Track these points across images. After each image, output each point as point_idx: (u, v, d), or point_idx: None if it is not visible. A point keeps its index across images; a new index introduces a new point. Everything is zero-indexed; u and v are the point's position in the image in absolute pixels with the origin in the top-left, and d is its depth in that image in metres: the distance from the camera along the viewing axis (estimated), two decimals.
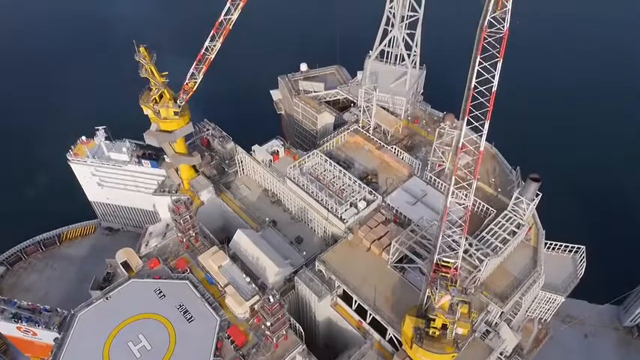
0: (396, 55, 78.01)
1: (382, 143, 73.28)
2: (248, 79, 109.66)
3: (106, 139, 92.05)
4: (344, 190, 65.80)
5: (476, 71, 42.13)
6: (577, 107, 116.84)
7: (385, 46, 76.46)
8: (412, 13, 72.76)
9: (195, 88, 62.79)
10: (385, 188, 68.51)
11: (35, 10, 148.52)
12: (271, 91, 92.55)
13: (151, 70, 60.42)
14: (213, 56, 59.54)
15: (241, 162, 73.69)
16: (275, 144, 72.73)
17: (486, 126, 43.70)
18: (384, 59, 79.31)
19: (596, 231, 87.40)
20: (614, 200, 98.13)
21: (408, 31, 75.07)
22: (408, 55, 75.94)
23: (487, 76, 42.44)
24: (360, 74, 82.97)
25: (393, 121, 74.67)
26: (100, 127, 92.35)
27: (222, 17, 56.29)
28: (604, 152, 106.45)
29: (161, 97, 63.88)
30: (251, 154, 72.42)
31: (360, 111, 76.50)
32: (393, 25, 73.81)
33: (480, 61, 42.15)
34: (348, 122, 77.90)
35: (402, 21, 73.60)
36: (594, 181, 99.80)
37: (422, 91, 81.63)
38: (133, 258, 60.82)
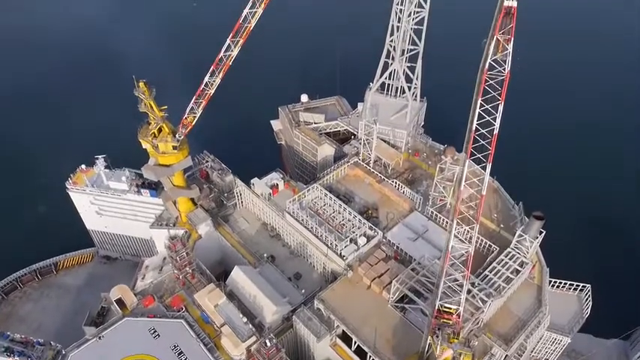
0: (397, 88, 77.90)
1: (383, 177, 72.52)
2: (249, 109, 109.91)
3: (106, 167, 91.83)
4: (344, 225, 64.77)
5: (477, 113, 41.54)
6: (579, 143, 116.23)
7: (386, 78, 76.43)
8: (412, 47, 72.98)
9: (194, 123, 62.38)
10: (386, 223, 67.46)
11: (38, 40, 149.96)
12: (272, 122, 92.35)
13: (150, 105, 60.15)
14: (212, 91, 59.32)
15: (240, 195, 72.89)
16: (274, 177, 72.04)
17: (488, 169, 42.96)
18: (385, 91, 79.22)
19: (601, 267, 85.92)
20: (618, 236, 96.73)
21: (409, 64, 75.15)
22: (409, 88, 75.86)
23: (488, 118, 41.88)
24: (360, 106, 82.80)
25: (393, 154, 74.05)
26: (100, 156, 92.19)
27: (222, 54, 56.21)
28: (607, 188, 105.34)
29: (160, 131, 63.49)
30: (250, 187, 71.65)
31: (360, 143, 75.98)
32: (393, 59, 73.87)
33: (481, 103, 41.64)
34: (349, 155, 77.33)
35: (403, 54, 73.74)
36: (598, 217, 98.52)
37: (422, 123, 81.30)
38: (127, 295, 59.52)
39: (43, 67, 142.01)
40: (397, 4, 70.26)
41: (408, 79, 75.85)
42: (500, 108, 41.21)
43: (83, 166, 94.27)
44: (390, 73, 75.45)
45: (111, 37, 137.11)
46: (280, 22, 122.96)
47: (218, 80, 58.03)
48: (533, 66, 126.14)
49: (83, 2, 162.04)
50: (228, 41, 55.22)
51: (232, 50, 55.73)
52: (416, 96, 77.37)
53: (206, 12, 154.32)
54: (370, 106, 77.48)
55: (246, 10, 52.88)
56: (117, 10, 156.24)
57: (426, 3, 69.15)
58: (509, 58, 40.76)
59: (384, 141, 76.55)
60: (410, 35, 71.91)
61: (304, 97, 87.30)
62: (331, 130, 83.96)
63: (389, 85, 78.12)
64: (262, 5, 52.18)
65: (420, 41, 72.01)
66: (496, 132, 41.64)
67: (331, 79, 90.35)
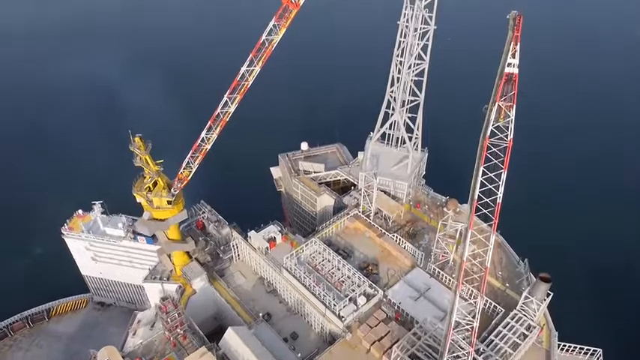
0: (398, 138, 76.88)
1: (383, 230, 70.58)
2: (249, 154, 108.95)
3: (103, 213, 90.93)
4: (343, 282, 62.49)
5: (479, 182, 39.98)
6: (584, 196, 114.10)
7: (386, 128, 75.52)
8: (413, 98, 72.31)
9: (190, 178, 61.05)
10: (386, 280, 65.13)
11: (42, 85, 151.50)
12: (271, 169, 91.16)
13: (145, 159, 59.03)
14: (209, 146, 58.24)
15: (237, 247, 70.88)
16: (272, 230, 70.19)
17: (492, 239, 41.08)
18: (386, 141, 78.18)
19: (612, 329, 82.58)
20: (631, 296, 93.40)
21: (410, 115, 74.36)
22: (410, 138, 74.84)
23: (491, 186, 40.31)
24: (360, 155, 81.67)
25: (394, 207, 72.30)
26: (97, 202, 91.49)
27: (219, 110, 55.38)
28: (617, 244, 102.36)
29: (155, 184, 62.18)
30: (247, 240, 69.71)
31: (360, 195, 74.42)
32: (394, 109, 73.12)
33: (483, 171, 40.16)
34: (348, 206, 75.65)
35: (403, 106, 73.02)
36: (609, 276, 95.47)
37: (424, 173, 79.92)
38: (115, 358, 56.80)
39: (46, 110, 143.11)
40: (397, 56, 70.06)
41: (409, 130, 74.95)
42: (504, 177, 39.69)
43: (80, 211, 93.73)
44: (391, 123, 74.56)
45: (114, 85, 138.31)
46: (282, 67, 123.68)
47: (215, 135, 57.04)
48: (535, 109, 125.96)
49: (88, 55, 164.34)
50: (225, 98, 54.43)
51: (229, 107, 54.93)
52: (417, 146, 76.30)
53: (211, 60, 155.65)
54: (371, 156, 76.36)
55: (243, 68, 52.24)
56: (122, 60, 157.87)
57: (426, 55, 68.82)
58: (512, 125, 39.57)
59: (385, 192, 74.95)
60: (410, 86, 71.36)
61: (304, 145, 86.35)
62: (331, 180, 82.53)
63: (389, 134, 77.12)
64: (260, 63, 51.58)
65: (420, 92, 71.43)
66: (499, 201, 39.97)
67: (332, 126, 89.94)
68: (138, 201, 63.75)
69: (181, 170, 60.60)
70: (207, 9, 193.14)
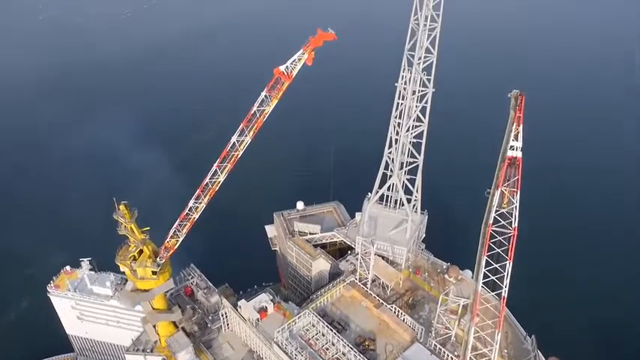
0: (397, 200, 74.14)
1: (381, 300, 66.78)
2: (244, 210, 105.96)
3: (91, 269, 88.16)
4: (338, 359, 58.28)
5: (482, 274, 36.85)
6: (592, 266, 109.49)
7: (385, 190, 72.90)
8: (412, 160, 70.05)
9: (176, 247, 58.05)
10: (384, 357, 60.87)
11: (33, 139, 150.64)
12: (266, 227, 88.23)
13: (130, 228, 56.24)
14: (197, 216, 55.49)
15: (226, 317, 66.99)
16: (263, 299, 66.37)
17: (497, 338, 37.59)
18: (384, 202, 75.37)
19: None
20: None
21: (409, 177, 71.90)
22: (409, 201, 72.07)
23: (494, 278, 37.16)
24: (358, 216, 78.69)
25: (392, 275, 68.76)
26: (85, 259, 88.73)
27: (207, 179, 52.95)
28: (630, 319, 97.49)
29: (141, 252, 59.12)
30: (237, 309, 65.89)
31: (357, 260, 71.02)
32: (392, 171, 70.77)
33: (487, 261, 37.13)
34: (345, 272, 72.13)
35: (402, 168, 70.63)
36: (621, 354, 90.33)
37: (424, 236, 76.71)
38: None
39: (39, 162, 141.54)
40: (395, 118, 68.27)
41: (408, 192, 72.30)
42: (509, 268, 36.63)
43: (68, 268, 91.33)
44: (389, 185, 72.01)
45: (106, 140, 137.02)
46: (278, 123, 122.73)
47: (203, 205, 54.40)
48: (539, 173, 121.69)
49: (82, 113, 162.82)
50: (214, 167, 52.11)
51: (219, 176, 52.50)
52: (416, 209, 73.38)
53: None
54: (368, 218, 73.39)
55: (234, 138, 50.14)
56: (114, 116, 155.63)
57: (425, 117, 67.02)
58: (517, 212, 36.84)
59: (383, 257, 71.59)
60: (409, 148, 69.26)
61: (300, 205, 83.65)
62: (328, 241, 79.38)
63: (388, 196, 74.43)
64: (251, 134, 49.50)
65: (419, 154, 69.17)
66: (504, 295, 36.72)
67: (331, 183, 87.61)
68: (121, 270, 60.57)
69: (168, 239, 57.72)
70: (200, 69, 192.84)
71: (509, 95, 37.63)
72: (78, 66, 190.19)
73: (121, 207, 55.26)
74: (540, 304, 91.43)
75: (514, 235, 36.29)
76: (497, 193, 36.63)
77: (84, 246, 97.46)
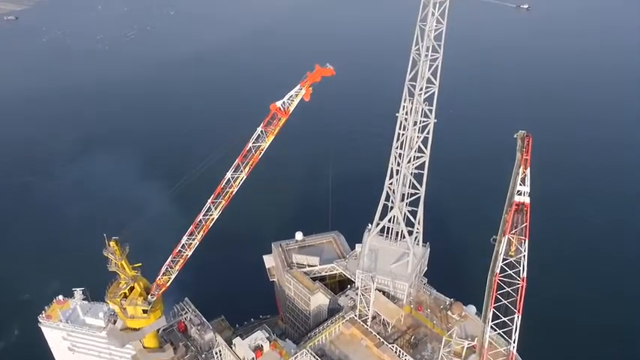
0: (397, 232, 71.97)
1: (381, 339, 64.05)
2: (241, 240, 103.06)
3: (84, 299, 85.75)
4: None
5: (489, 328, 34.51)
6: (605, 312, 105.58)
7: (385, 221, 70.79)
8: (413, 191, 68.10)
9: (168, 284, 55.78)
10: None
11: (30, 168, 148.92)
12: (264, 257, 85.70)
13: (121, 264, 54.08)
14: (190, 253, 53.36)
15: (220, 355, 64.31)
16: (259, 337, 63.60)
17: None
18: (385, 234, 73.20)
19: None
20: None
21: (410, 208, 69.84)
22: (410, 233, 69.89)
23: (501, 331, 34.83)
24: (358, 247, 76.33)
25: (393, 311, 66.16)
26: (78, 289, 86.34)
27: (201, 216, 50.96)
28: None
29: (132, 289, 56.81)
30: (231, 347, 63.23)
31: (357, 294, 68.49)
32: (393, 202, 68.76)
33: (494, 313, 34.84)
34: (344, 308, 69.50)
35: (403, 199, 68.64)
36: None
37: (426, 269, 74.28)
38: None
39: (38, 188, 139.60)
40: (396, 148, 66.55)
41: (409, 223, 70.17)
42: (518, 321, 34.32)
43: (60, 297, 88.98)
44: (390, 218, 69.94)
45: (103, 169, 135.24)
46: (275, 152, 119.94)
47: (196, 242, 52.32)
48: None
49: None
50: (208, 203, 50.17)
51: (212, 212, 50.52)
52: (418, 241, 71.17)
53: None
54: (368, 251, 71.16)
55: (229, 174, 48.31)
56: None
57: (426, 148, 65.34)
58: (526, 262, 34.68)
59: (384, 292, 69.12)
60: (410, 180, 67.38)
61: (299, 235, 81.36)
62: (327, 274, 76.96)
63: (389, 228, 72.27)
64: (247, 169, 47.70)
65: (420, 186, 67.27)
66: (514, 351, 34.35)
67: (332, 212, 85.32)
68: (111, 307, 58.17)
69: (160, 276, 55.46)
70: (199, 94, 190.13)
71: (515, 136, 35.75)
72: (77, 90, 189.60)
73: (112, 243, 53.18)
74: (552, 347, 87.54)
75: (523, 287, 34.07)
76: (504, 241, 34.50)
77: (78, 274, 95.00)
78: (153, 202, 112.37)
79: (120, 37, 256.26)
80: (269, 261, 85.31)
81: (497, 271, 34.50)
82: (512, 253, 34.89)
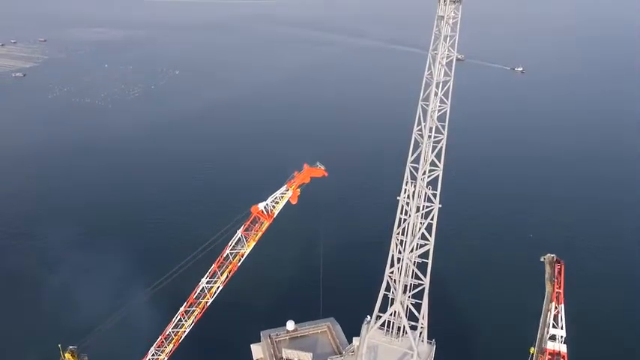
0: (399, 327, 64.30)
1: None
2: (228, 328, 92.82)
3: None
4: None
5: None
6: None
7: (386, 316, 63.31)
8: (417, 282, 61.16)
9: None
10: None
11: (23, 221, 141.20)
12: (252, 346, 77.27)
13: None
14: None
15: None
16: None
17: None
18: (385, 327, 65.47)
19: None
20: None
21: (413, 301, 62.57)
22: (414, 328, 62.23)
23: None
24: (356, 341, 68.68)
25: None
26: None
27: (169, 329, 43.65)
28: None
29: None
30: None
31: None
32: (394, 293, 61.61)
33: None
34: None
35: (405, 292, 61.52)
36: None
37: None
38: None
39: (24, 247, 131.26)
40: (397, 234, 60.24)
41: (413, 317, 62.68)
42: None
43: None
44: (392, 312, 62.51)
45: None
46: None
47: (164, 357, 44.63)
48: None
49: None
50: (178, 315, 43.00)
51: (184, 324, 43.27)
52: (422, 338, 63.37)
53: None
54: (367, 349, 63.24)
55: (203, 282, 41.56)
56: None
57: (431, 235, 59.08)
58: None
59: None
60: (412, 270, 60.62)
61: (290, 325, 73.73)
62: None
63: (390, 321, 64.67)
64: (223, 277, 40.91)
65: (425, 276, 60.44)
66: None
67: (327, 297, 78.07)
68: None
69: None
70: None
71: (542, 259, 29.24)
72: (66, 147, 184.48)
73: (67, 355, 45.54)
74: None
75: None
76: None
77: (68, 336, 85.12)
78: (122, 302, 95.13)
79: (124, 95, 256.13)
80: (257, 352, 76.89)
81: None
82: None
